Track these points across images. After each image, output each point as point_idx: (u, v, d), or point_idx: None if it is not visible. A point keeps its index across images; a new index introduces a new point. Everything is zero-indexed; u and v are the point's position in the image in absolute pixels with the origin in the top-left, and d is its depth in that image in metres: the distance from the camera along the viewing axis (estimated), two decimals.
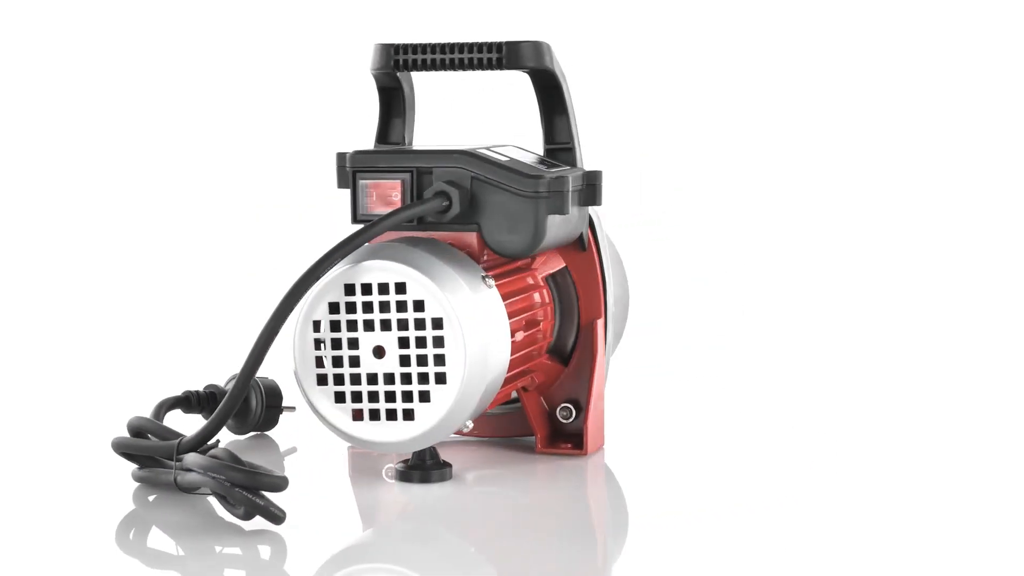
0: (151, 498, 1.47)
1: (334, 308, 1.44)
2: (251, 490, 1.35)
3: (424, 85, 1.69)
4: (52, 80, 2.61)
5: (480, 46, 1.56)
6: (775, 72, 2.60)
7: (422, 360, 1.43)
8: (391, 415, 1.44)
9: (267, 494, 1.36)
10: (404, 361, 1.44)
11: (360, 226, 1.47)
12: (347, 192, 1.53)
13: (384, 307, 1.43)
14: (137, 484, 1.50)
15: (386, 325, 1.43)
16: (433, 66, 1.57)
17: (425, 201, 1.48)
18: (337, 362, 1.45)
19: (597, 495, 1.55)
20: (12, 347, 2.15)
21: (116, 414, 1.59)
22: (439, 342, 1.43)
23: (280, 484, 1.37)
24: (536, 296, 1.61)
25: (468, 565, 1.32)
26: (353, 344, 1.44)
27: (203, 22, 2.63)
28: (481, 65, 1.56)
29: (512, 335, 1.51)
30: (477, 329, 1.44)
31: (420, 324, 1.43)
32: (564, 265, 1.64)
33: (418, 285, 1.42)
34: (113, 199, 2.57)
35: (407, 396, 1.44)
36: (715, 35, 2.63)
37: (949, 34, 2.57)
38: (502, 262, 1.57)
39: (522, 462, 1.60)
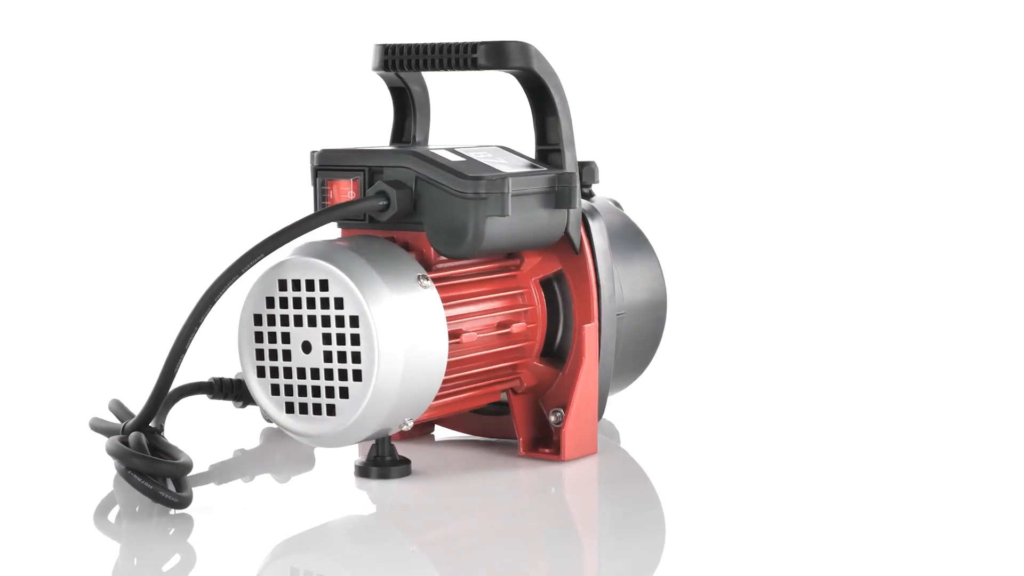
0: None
1: (270, 302, 1.48)
2: (150, 476, 1.41)
3: (449, 85, 1.71)
4: (50, 80, 2.65)
5: (457, 46, 1.57)
6: (773, 72, 2.61)
7: (342, 357, 1.46)
8: (316, 409, 1.47)
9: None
10: (327, 357, 1.46)
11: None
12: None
13: (311, 303, 1.46)
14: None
15: (312, 321, 1.46)
16: (416, 66, 1.59)
17: (363, 199, 1.50)
18: (272, 355, 1.49)
19: (546, 502, 1.53)
20: (15, 345, 2.20)
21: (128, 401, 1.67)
22: (356, 340, 1.45)
23: (179, 472, 1.42)
24: (517, 299, 1.60)
25: (400, 562, 1.35)
26: (285, 339, 1.48)
27: (225, 23, 2.66)
28: (459, 65, 1.56)
29: (458, 336, 1.51)
30: (395, 328, 1.45)
31: (340, 321, 1.46)
32: (560, 268, 1.63)
33: (338, 283, 1.45)
34: (116, 197, 2.59)
35: (329, 391, 1.47)
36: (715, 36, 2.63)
37: (946, 34, 2.56)
38: (481, 263, 1.57)
39: (497, 465, 1.60)
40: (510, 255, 1.62)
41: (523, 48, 1.56)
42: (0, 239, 2.50)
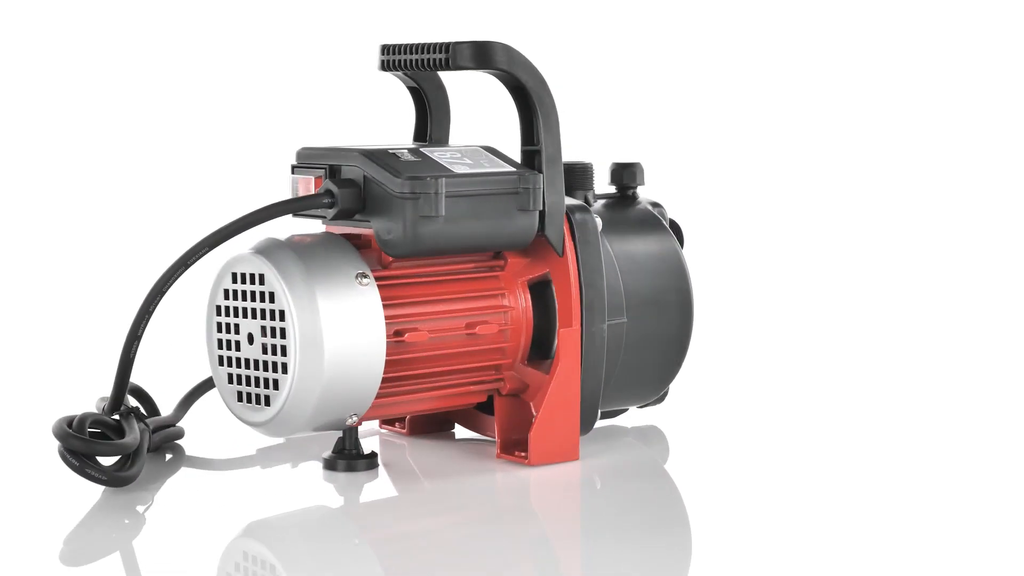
0: None
1: (226, 294, 1.55)
2: (83, 456, 1.49)
3: (483, 85, 1.72)
4: (51, 80, 2.63)
5: (434, 46, 1.58)
6: (769, 73, 2.58)
7: (274, 349, 1.50)
8: (257, 399, 1.53)
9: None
10: (263, 349, 1.51)
11: None
12: None
13: (252, 296, 1.52)
14: None
15: (254, 314, 1.52)
16: (403, 66, 1.61)
17: (307, 197, 1.54)
18: (228, 345, 1.55)
19: (506, 507, 1.53)
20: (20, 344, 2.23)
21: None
22: (283, 333, 1.49)
23: (117, 451, 1.50)
24: (494, 300, 1.59)
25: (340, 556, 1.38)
26: (236, 329, 1.54)
27: (262, 23, 2.63)
28: (437, 65, 1.58)
29: (402, 335, 1.53)
30: (320, 324, 1.48)
31: (272, 315, 1.50)
32: (547, 271, 1.62)
33: (271, 278, 1.50)
34: (121, 195, 2.57)
35: (265, 382, 1.51)
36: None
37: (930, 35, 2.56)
38: (452, 262, 1.58)
39: (471, 467, 1.60)
40: (496, 255, 1.61)
41: (496, 48, 1.55)
42: None
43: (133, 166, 2.56)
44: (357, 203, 1.53)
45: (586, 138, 1.75)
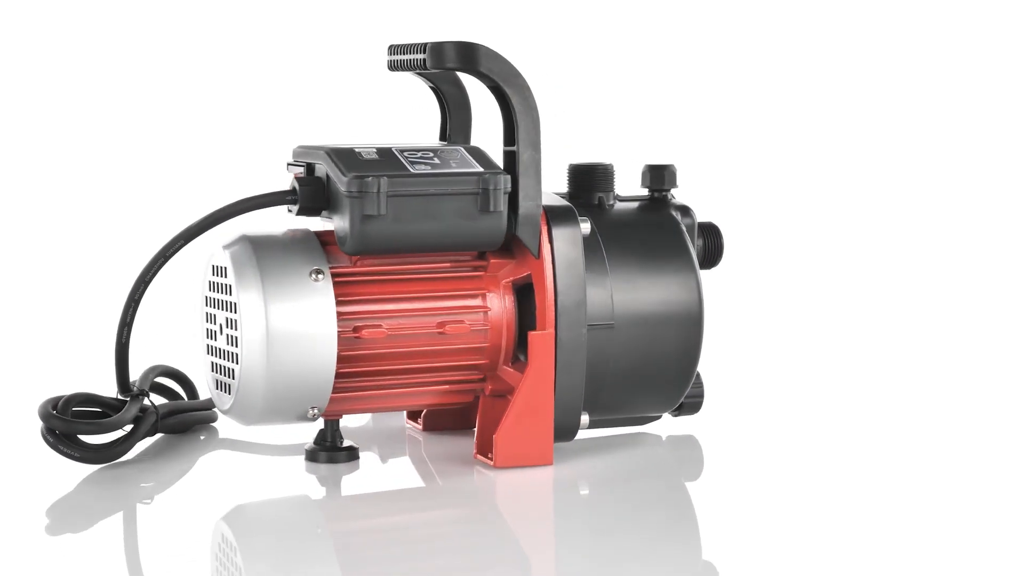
0: None
1: (208, 286, 1.62)
2: (62, 435, 1.59)
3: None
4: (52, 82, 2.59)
5: (414, 47, 1.60)
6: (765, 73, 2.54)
7: (234, 340, 1.56)
8: (224, 387, 1.59)
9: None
10: (227, 339, 1.58)
11: None
12: None
13: (221, 288, 1.58)
14: None
15: (223, 305, 1.58)
16: (398, 67, 1.64)
17: (273, 193, 1.59)
18: (210, 334, 1.62)
19: (470, 509, 1.54)
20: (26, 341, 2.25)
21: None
22: (236, 325, 1.55)
23: (96, 431, 1.59)
24: (471, 300, 1.60)
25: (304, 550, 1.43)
26: (214, 319, 1.61)
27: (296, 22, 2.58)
28: (415, 66, 1.60)
29: (359, 332, 1.55)
30: (267, 317, 1.53)
31: (232, 307, 1.56)
32: (529, 272, 1.61)
33: (230, 271, 1.56)
34: (123, 195, 2.54)
35: (229, 371, 1.58)
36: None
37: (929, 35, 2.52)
38: (427, 260, 1.60)
39: (452, 467, 1.61)
40: (481, 255, 1.61)
41: (469, 49, 1.55)
42: None
43: (173, 161, 2.60)
44: (319, 200, 1.55)
45: (624, 139, 1.72)
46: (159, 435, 1.71)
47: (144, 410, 1.64)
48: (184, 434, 1.73)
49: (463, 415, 1.72)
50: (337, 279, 1.55)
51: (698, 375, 1.71)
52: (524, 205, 1.57)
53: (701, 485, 1.60)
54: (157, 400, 1.70)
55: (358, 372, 1.56)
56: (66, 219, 2.55)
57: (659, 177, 1.71)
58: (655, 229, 1.67)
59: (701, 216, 1.74)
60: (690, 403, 1.72)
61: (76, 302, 2.35)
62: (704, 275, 1.72)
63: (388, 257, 1.57)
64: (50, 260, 2.49)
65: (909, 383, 1.97)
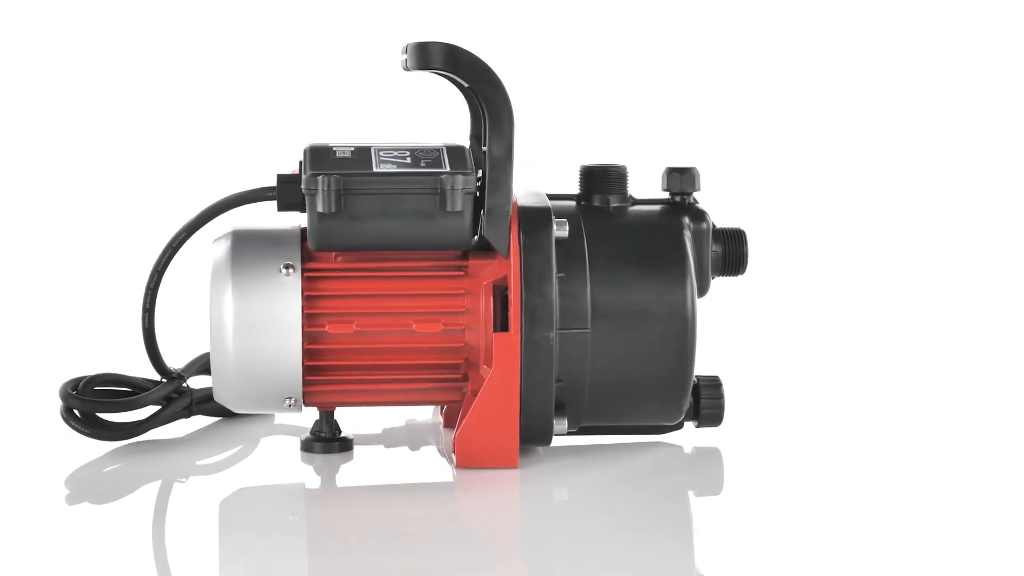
0: None
1: None
2: (76, 414, 1.70)
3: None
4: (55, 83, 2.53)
5: (405, 48, 1.63)
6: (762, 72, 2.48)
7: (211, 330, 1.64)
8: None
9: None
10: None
11: None
12: None
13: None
14: None
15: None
16: (405, 67, 1.66)
17: (257, 190, 1.65)
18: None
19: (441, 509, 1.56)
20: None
21: None
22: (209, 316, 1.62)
23: (111, 409, 1.69)
24: (449, 300, 1.62)
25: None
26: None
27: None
28: (404, 67, 1.62)
29: (323, 327, 1.60)
30: (233, 308, 1.59)
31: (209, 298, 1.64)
32: (506, 274, 1.62)
33: (210, 264, 1.63)
34: (125, 195, 2.48)
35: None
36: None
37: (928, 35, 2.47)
38: (416, 259, 1.63)
39: (439, 462, 1.64)
40: (464, 255, 1.62)
41: (432, 49, 1.56)
42: None
43: (202, 158, 2.60)
44: (296, 197, 1.60)
45: (655, 141, 1.69)
46: (197, 417, 1.78)
47: (179, 392, 1.72)
48: (224, 419, 1.79)
49: None
50: (308, 274, 1.59)
51: (719, 384, 1.66)
52: (492, 205, 1.56)
53: (684, 499, 1.56)
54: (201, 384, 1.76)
55: (328, 366, 1.59)
56: (86, 216, 2.58)
57: (678, 180, 1.67)
58: (652, 233, 1.62)
59: (728, 222, 1.68)
60: (709, 414, 1.67)
61: (86, 295, 2.40)
62: (730, 283, 1.66)
63: (369, 255, 1.60)
64: (57, 259, 2.52)
65: (937, 396, 1.89)
